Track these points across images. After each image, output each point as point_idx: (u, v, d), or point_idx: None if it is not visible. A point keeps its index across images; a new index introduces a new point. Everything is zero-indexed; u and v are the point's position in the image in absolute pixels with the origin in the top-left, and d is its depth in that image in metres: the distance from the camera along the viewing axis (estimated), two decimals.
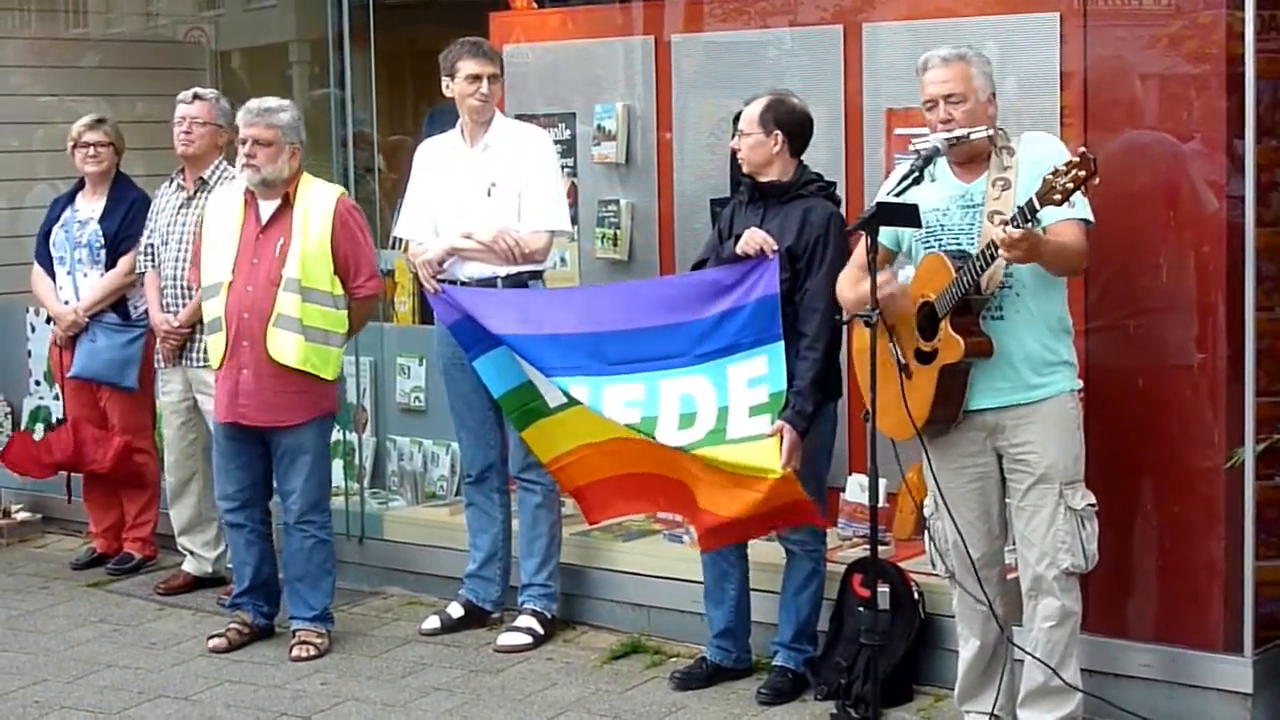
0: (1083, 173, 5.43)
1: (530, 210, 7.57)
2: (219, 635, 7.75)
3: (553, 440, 7.23)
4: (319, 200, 7.47)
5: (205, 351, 7.83)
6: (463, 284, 7.48)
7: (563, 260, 8.44)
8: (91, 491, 9.27)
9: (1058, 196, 5.46)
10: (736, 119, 7.67)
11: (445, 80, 7.65)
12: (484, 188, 7.59)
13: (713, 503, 6.71)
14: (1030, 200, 5.53)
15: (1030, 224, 5.55)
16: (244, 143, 7.45)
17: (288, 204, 7.45)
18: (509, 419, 7.44)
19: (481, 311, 7.24)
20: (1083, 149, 5.54)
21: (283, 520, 7.70)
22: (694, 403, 6.77)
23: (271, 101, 7.56)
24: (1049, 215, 5.61)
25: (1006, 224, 5.58)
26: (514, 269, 7.51)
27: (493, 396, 7.38)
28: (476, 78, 7.55)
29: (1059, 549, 5.93)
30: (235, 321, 7.40)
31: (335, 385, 7.63)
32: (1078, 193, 5.52)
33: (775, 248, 6.64)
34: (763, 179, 6.78)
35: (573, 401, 6.99)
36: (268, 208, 7.47)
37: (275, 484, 7.70)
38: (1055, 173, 5.47)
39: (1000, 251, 5.58)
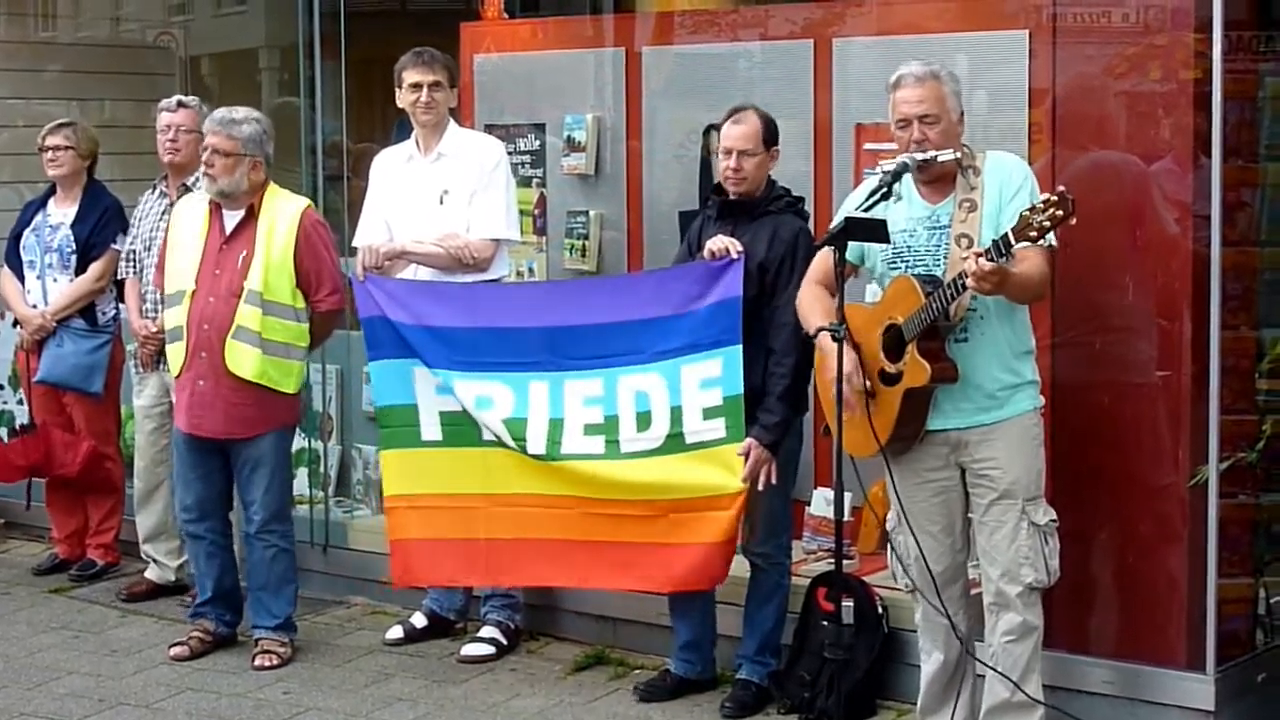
0: (1060, 212, 5.46)
1: (477, 218, 7.56)
2: (180, 643, 7.72)
3: (407, 473, 7.25)
4: (284, 212, 7.45)
5: None
6: None
7: (532, 270, 8.44)
8: (55, 497, 9.25)
9: (1033, 234, 5.50)
10: (706, 132, 7.70)
11: (397, 91, 7.67)
12: (437, 196, 7.60)
13: (678, 535, 6.73)
14: (1005, 235, 5.56)
15: (1004, 259, 5.58)
16: (205, 150, 7.44)
17: (252, 215, 7.43)
18: (379, 433, 7.43)
19: (416, 305, 7.21)
20: (1061, 188, 5.55)
21: (244, 530, 7.67)
22: (648, 400, 6.80)
23: (239, 112, 7.54)
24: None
25: (979, 256, 5.59)
26: (464, 277, 7.50)
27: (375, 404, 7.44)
28: (417, 86, 7.56)
29: (1022, 564, 5.94)
30: (195, 332, 7.37)
31: (297, 396, 7.60)
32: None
33: (740, 249, 6.63)
34: (741, 195, 6.78)
35: (448, 442, 7.07)
36: (232, 218, 7.45)
37: (237, 494, 7.68)
38: (1033, 209, 5.50)
39: (969, 282, 5.60)
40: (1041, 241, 5.63)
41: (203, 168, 7.45)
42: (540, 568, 7.18)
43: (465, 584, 7.67)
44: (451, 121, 7.75)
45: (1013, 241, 5.54)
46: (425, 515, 7.24)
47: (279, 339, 7.38)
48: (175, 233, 7.61)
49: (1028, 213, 5.51)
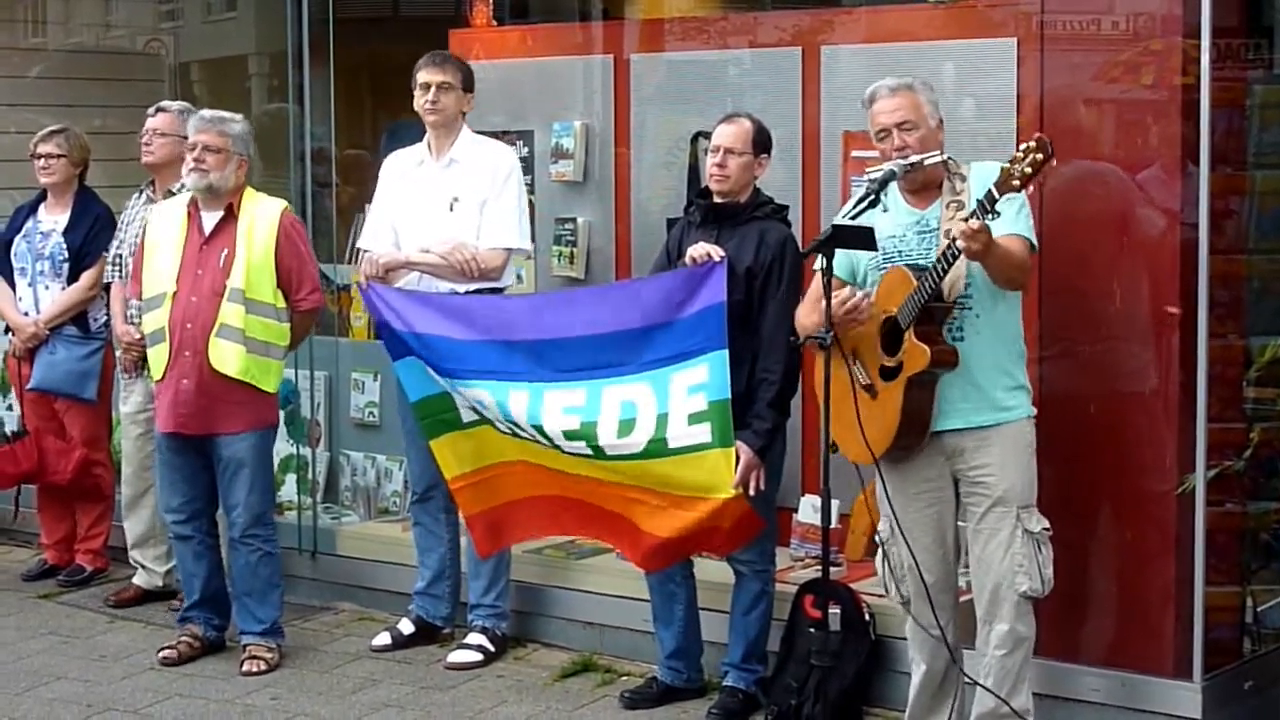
0: (1040, 155, 5.44)
1: (489, 227, 7.54)
2: (170, 647, 7.72)
3: (461, 455, 7.27)
4: (263, 213, 7.49)
5: None
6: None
7: (519, 278, 8.43)
8: (44, 503, 9.24)
9: (1016, 181, 5.48)
10: (695, 139, 7.70)
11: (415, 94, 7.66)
12: (447, 202, 7.57)
13: (654, 525, 6.73)
14: (989, 191, 5.53)
15: (990, 216, 5.56)
16: (193, 148, 7.48)
17: (231, 215, 7.47)
18: (420, 426, 7.42)
19: (408, 313, 7.24)
20: (1038, 134, 5.55)
21: (229, 535, 7.67)
22: (634, 409, 6.74)
23: (225, 113, 7.63)
24: (995, 228, 5.62)
25: (966, 218, 5.58)
26: (470, 285, 7.48)
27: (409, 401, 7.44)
28: (426, 86, 7.55)
29: (1017, 572, 5.93)
30: (178, 332, 7.40)
31: (275, 397, 7.62)
32: (1025, 208, 5.62)
33: (722, 254, 6.62)
34: (726, 200, 6.76)
35: (483, 420, 7.03)
36: (210, 219, 7.49)
37: (220, 498, 7.67)
38: (1013, 160, 5.49)
39: (959, 242, 5.57)
40: (1017, 228, 5.66)
41: (191, 164, 7.47)
42: (582, 526, 7.23)
43: (546, 535, 7.66)
44: (465, 127, 7.70)
45: (996, 196, 5.51)
46: (490, 485, 7.24)
47: (260, 337, 7.41)
48: (152, 237, 7.65)
49: (1007, 165, 5.50)
